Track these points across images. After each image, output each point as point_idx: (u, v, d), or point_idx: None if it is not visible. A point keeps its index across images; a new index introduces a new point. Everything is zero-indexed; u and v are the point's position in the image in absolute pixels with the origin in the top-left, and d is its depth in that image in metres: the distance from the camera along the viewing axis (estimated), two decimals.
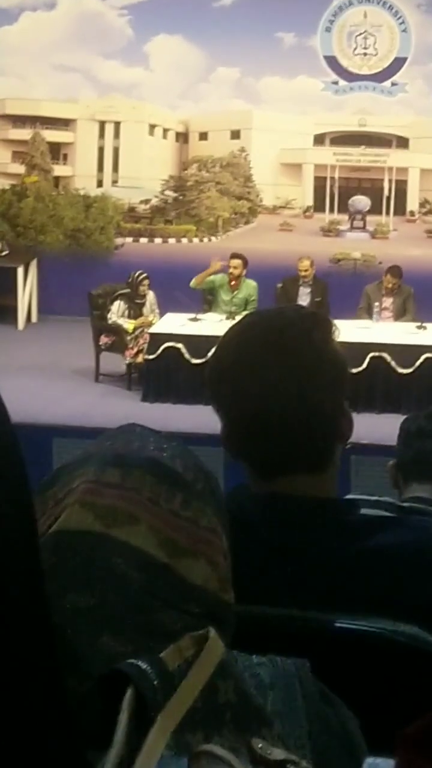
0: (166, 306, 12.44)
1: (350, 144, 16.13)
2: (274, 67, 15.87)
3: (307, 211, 16.26)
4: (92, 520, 1.25)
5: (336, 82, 15.81)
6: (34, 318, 15.41)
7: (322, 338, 1.93)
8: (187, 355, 11.29)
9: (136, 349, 11.84)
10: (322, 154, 16.20)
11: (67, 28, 16.14)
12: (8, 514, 0.80)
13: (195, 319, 11.96)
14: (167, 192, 16.43)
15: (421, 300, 12.65)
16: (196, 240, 16.26)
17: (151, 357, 11.45)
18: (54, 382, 11.60)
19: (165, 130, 16.58)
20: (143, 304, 12.29)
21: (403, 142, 16.06)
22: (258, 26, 15.50)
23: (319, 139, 16.24)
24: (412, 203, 16.05)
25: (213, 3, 15.72)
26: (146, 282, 12.32)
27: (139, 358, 11.74)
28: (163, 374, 11.47)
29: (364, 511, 2.00)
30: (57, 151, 16.51)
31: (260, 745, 1.03)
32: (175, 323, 11.89)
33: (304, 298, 12.59)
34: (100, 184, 16.44)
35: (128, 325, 12.00)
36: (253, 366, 1.88)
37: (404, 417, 3.36)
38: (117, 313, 12.10)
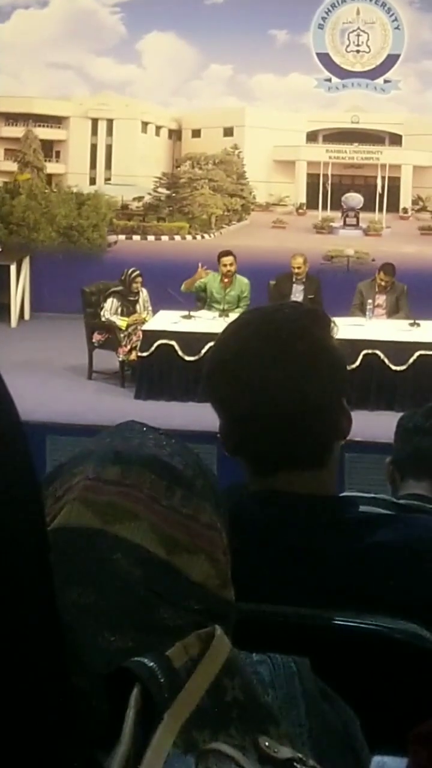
0: (159, 303, 12.44)
1: (343, 141, 16.14)
2: (267, 64, 15.87)
3: (300, 208, 16.27)
4: (92, 516, 1.25)
5: (329, 79, 15.82)
6: (26, 315, 15.40)
7: (321, 335, 1.93)
8: (180, 353, 11.30)
9: (129, 347, 11.83)
10: (315, 151, 16.20)
11: (59, 26, 16.14)
12: (16, 501, 0.79)
13: (188, 317, 11.96)
14: (160, 189, 16.43)
15: (414, 297, 12.66)
16: (189, 237, 16.26)
17: (145, 354, 11.45)
18: (47, 380, 11.59)
19: (158, 128, 16.58)
20: (136, 302, 12.29)
21: (396, 139, 16.07)
22: (251, 23, 15.51)
23: (312, 136, 16.24)
24: (405, 200, 16.06)
25: (206, 0, 15.72)
26: (139, 279, 12.32)
27: (133, 356, 11.74)
28: (157, 371, 11.47)
29: (361, 508, 1.99)
30: (50, 149, 16.50)
31: (267, 744, 1.03)
32: (168, 320, 11.89)
33: (297, 295, 12.59)
34: (92, 181, 16.44)
35: (121, 322, 12.00)
36: (251, 363, 1.87)
37: (398, 414, 3.36)
38: (110, 310, 12.09)
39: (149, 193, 16.40)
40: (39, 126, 16.28)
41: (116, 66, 16.23)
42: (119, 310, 12.14)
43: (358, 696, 1.36)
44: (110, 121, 16.47)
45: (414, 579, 1.81)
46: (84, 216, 16.00)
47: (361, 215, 16.14)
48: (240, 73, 16.05)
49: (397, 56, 15.66)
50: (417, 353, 11.21)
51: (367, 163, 16.13)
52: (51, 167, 16.42)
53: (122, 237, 16.23)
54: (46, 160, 16.36)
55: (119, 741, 0.92)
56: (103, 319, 12.11)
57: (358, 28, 15.71)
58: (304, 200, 16.30)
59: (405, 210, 16.08)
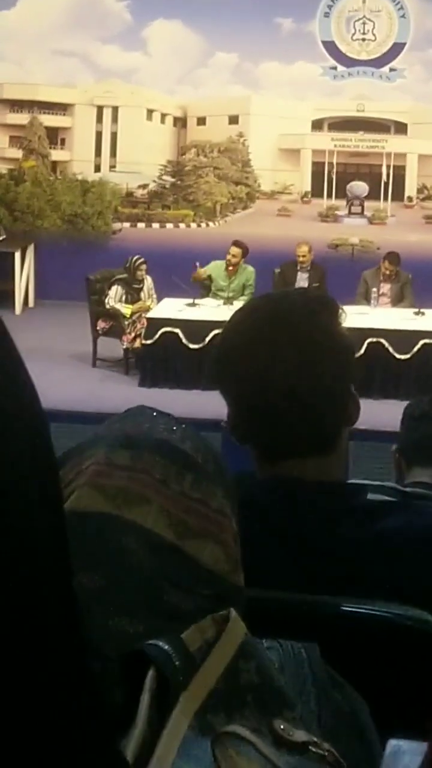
0: (163, 291, 12.42)
1: (348, 129, 16.12)
2: (272, 52, 15.84)
3: (305, 196, 16.25)
4: (102, 501, 1.25)
5: (334, 68, 15.79)
6: (31, 303, 15.40)
7: (329, 321, 1.92)
8: (184, 340, 11.29)
9: (133, 334, 11.82)
10: (320, 139, 16.18)
11: (65, 13, 16.11)
12: (34, 480, 0.79)
13: (193, 305, 11.94)
14: (165, 177, 16.41)
15: (419, 286, 12.65)
16: (193, 225, 16.25)
17: (149, 342, 11.44)
18: (51, 367, 11.57)
19: (163, 115, 16.56)
20: (141, 289, 12.28)
21: (401, 128, 16.05)
22: (256, 11, 15.48)
23: (317, 125, 16.22)
24: (410, 189, 16.04)
25: None
26: (144, 267, 12.30)
27: (137, 343, 11.73)
28: (161, 359, 11.47)
29: (369, 496, 1.99)
30: (55, 136, 16.48)
31: (282, 727, 1.03)
32: (173, 308, 11.88)
33: (302, 284, 12.56)
34: (97, 169, 16.42)
35: (125, 310, 11.99)
36: (259, 349, 1.87)
37: (402, 403, 3.35)
38: (114, 298, 12.08)
39: (154, 181, 16.39)
40: (44, 113, 16.26)
41: (122, 53, 16.20)
42: (124, 297, 12.13)
43: (367, 682, 1.36)
44: (115, 109, 16.45)
45: (422, 566, 1.81)
46: (89, 203, 15.98)
47: (366, 204, 16.12)
48: (245, 61, 16.03)
49: (403, 45, 15.63)
50: (421, 342, 11.22)
51: (373, 152, 16.11)
52: (56, 154, 16.40)
53: (127, 225, 16.22)
54: (51, 148, 16.34)
55: (134, 724, 0.93)
56: (107, 306, 12.09)
57: (364, 17, 15.68)
58: (309, 188, 16.28)
59: (410, 199, 16.06)
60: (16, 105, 16.38)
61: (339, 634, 1.54)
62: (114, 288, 12.13)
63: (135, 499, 1.24)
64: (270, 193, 16.33)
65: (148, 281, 12.35)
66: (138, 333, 11.75)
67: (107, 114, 16.48)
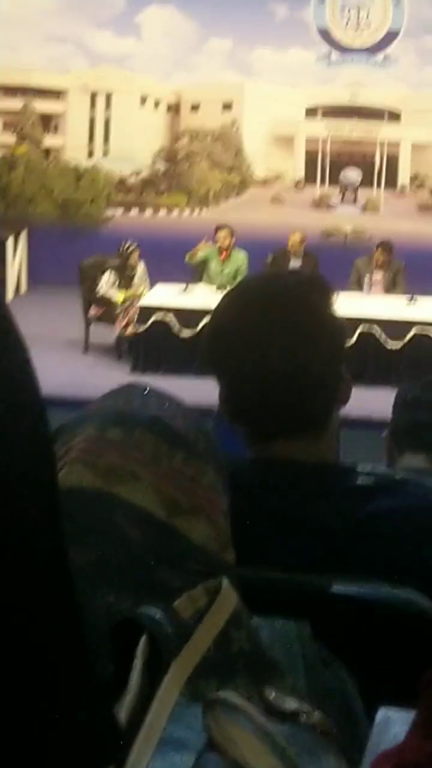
0: (156, 277, 12.41)
1: (342, 117, 16.11)
2: (266, 38, 15.83)
3: (298, 183, 16.25)
4: (93, 477, 1.25)
5: (329, 55, 15.77)
6: (23, 289, 15.39)
7: (320, 302, 1.92)
8: (177, 327, 11.29)
9: (126, 321, 11.82)
10: (313, 126, 16.17)
11: None
12: (28, 451, 0.80)
13: (185, 291, 11.94)
14: (158, 164, 16.39)
15: (411, 275, 12.65)
16: (186, 212, 16.24)
17: (141, 328, 11.43)
18: (43, 354, 11.44)
19: (156, 102, 16.54)
20: (133, 276, 12.27)
21: (395, 116, 16.04)
22: None
23: (311, 112, 16.22)
24: (404, 177, 16.05)
25: None
26: (136, 253, 12.30)
27: (129, 330, 11.72)
28: (153, 346, 11.46)
29: (359, 478, 1.99)
30: (48, 122, 16.46)
31: (273, 695, 1.03)
32: (165, 295, 11.88)
33: None
34: (91, 155, 16.41)
35: (118, 296, 11.98)
36: (250, 330, 1.86)
37: (394, 391, 3.34)
38: (107, 284, 12.07)
39: (147, 167, 16.36)
40: (37, 99, 16.23)
41: (115, 39, 16.17)
42: (116, 284, 12.12)
43: (356, 661, 1.37)
44: (109, 95, 16.43)
45: (413, 546, 1.81)
46: (82, 190, 15.97)
47: (359, 191, 16.11)
48: (239, 48, 16.01)
49: (397, 32, 15.61)
50: (414, 330, 11.23)
51: (366, 140, 16.10)
52: (49, 140, 16.38)
53: (120, 211, 16.21)
54: (44, 133, 16.32)
55: (126, 690, 0.93)
56: (99, 293, 12.08)
57: (359, 4, 15.64)
58: (302, 176, 16.27)
59: (403, 187, 16.06)
60: (9, 90, 16.34)
61: (328, 613, 1.54)
62: (106, 274, 12.12)
63: (125, 476, 1.25)
64: (263, 180, 16.32)
65: (141, 267, 12.34)
66: (130, 319, 11.74)
67: (100, 100, 16.46)
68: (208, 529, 1.28)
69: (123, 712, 0.92)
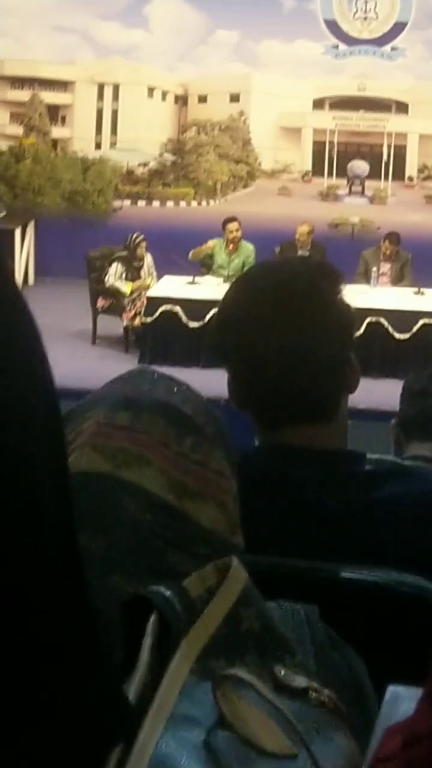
0: (163, 269, 12.41)
1: (349, 108, 16.08)
2: (274, 30, 15.79)
3: (305, 175, 16.23)
4: (102, 461, 1.25)
5: (336, 46, 15.74)
6: (30, 280, 15.38)
7: (329, 289, 1.92)
8: (184, 319, 11.29)
9: (133, 312, 11.82)
10: (321, 118, 16.14)
11: None
12: (41, 445, 0.81)
13: (193, 283, 11.93)
14: (166, 155, 16.38)
15: (418, 266, 12.65)
16: (194, 203, 16.23)
17: (149, 320, 11.43)
18: (50, 345, 11.11)
19: (164, 93, 16.53)
20: (141, 267, 12.26)
21: (402, 107, 16.02)
22: None
23: (318, 104, 16.19)
24: (411, 168, 16.02)
25: None
26: (143, 245, 12.29)
27: (137, 321, 11.72)
28: (161, 337, 11.46)
29: (367, 465, 1.99)
30: (55, 113, 16.45)
31: (283, 673, 1.03)
32: (173, 286, 11.87)
33: None
34: (98, 146, 16.39)
35: (126, 287, 11.98)
36: (259, 316, 1.87)
37: (401, 382, 3.35)
38: (114, 275, 12.07)
39: (155, 159, 16.35)
40: (45, 90, 16.22)
41: (123, 31, 16.15)
42: (124, 275, 12.12)
43: (365, 649, 1.37)
44: (116, 86, 16.41)
45: (420, 532, 1.82)
46: (89, 181, 15.95)
47: (367, 183, 16.09)
48: (247, 39, 15.99)
49: (405, 24, 15.57)
50: (421, 321, 11.23)
51: (374, 131, 16.07)
52: (56, 132, 16.36)
53: (127, 202, 16.19)
54: (51, 125, 16.31)
55: (136, 668, 0.93)
56: (107, 284, 12.09)
57: None
58: (309, 167, 16.25)
59: (411, 178, 16.04)
60: (17, 82, 16.34)
61: (337, 600, 1.54)
62: (114, 266, 12.12)
63: (134, 460, 1.25)
64: (270, 172, 16.30)
65: (148, 259, 12.34)
66: (138, 311, 11.74)
67: (108, 91, 16.44)
68: (217, 513, 1.29)
69: (133, 689, 0.92)
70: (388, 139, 16.01)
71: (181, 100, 16.50)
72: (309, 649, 1.19)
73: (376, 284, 12.33)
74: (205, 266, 12.52)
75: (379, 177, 16.09)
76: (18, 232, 14.91)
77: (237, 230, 12.36)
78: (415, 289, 12.09)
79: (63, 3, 15.93)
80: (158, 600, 1.00)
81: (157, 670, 0.95)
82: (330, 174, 16.15)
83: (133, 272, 12.18)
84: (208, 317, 10.55)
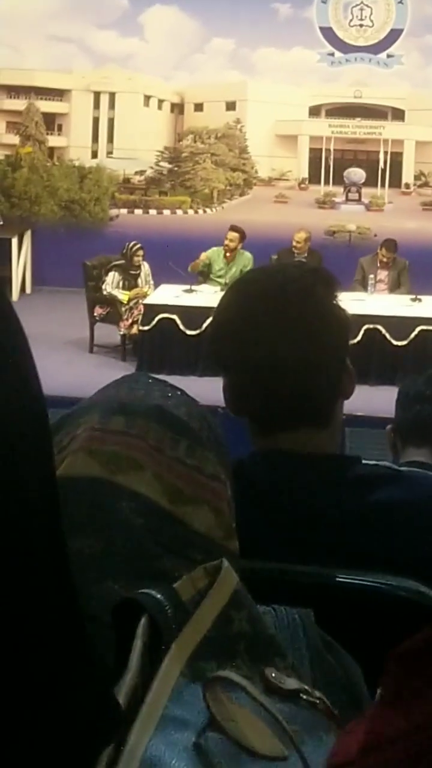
0: (160, 277, 12.42)
1: (346, 116, 16.08)
2: (269, 38, 15.80)
3: (302, 182, 16.23)
4: (97, 466, 1.25)
5: (332, 54, 15.75)
6: (28, 289, 15.39)
7: (324, 294, 1.92)
8: (181, 327, 11.29)
9: (130, 320, 11.83)
10: (317, 125, 16.15)
11: None
12: (28, 450, 0.81)
13: (190, 291, 11.94)
14: (162, 163, 16.38)
15: (415, 273, 12.65)
16: (191, 211, 16.23)
17: (146, 328, 11.44)
18: (48, 354, 11.53)
19: (160, 101, 16.53)
20: (138, 275, 12.28)
21: (398, 114, 16.02)
22: None
23: (314, 111, 16.19)
24: (408, 176, 16.02)
25: None
26: (140, 253, 12.32)
27: (134, 329, 11.74)
28: (158, 345, 11.47)
29: (362, 470, 1.99)
30: (51, 122, 16.45)
31: (274, 675, 1.04)
32: (170, 294, 11.88)
33: None
34: (94, 155, 16.40)
35: (123, 296, 11.99)
36: (254, 321, 1.87)
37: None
38: (111, 284, 12.09)
39: (151, 167, 16.36)
40: (41, 99, 16.23)
41: (118, 39, 16.16)
42: (121, 283, 12.14)
43: (361, 653, 1.37)
44: (112, 95, 16.42)
45: (416, 536, 1.82)
46: (86, 190, 15.97)
47: (363, 190, 16.10)
48: (242, 47, 15.99)
49: (401, 31, 15.59)
50: (418, 328, 11.24)
51: (370, 138, 16.08)
52: (53, 140, 16.37)
53: (124, 211, 16.20)
54: (48, 134, 16.31)
55: (126, 670, 0.94)
56: (104, 293, 12.10)
57: (362, 2, 15.62)
58: (306, 175, 16.25)
59: (407, 185, 16.04)
60: (13, 91, 16.34)
61: (333, 605, 1.55)
62: (111, 274, 12.14)
63: (129, 465, 1.25)
64: (267, 180, 16.30)
65: (146, 267, 12.36)
66: (135, 319, 11.76)
67: (104, 100, 16.45)
68: (212, 518, 1.29)
69: (123, 692, 0.92)
70: (385, 146, 16.02)
71: (177, 109, 16.50)
72: (304, 653, 1.19)
73: (373, 291, 12.35)
74: (202, 275, 12.53)
75: (376, 184, 16.10)
76: (15, 242, 14.93)
77: (232, 241, 12.37)
78: (412, 296, 12.10)
79: (59, 12, 15.95)
80: (149, 602, 1.00)
81: (148, 672, 0.95)
82: (326, 181, 16.15)
83: (130, 281, 12.19)
84: (205, 325, 10.56)
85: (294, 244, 12.82)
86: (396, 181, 16.05)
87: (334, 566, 1.72)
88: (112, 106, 16.46)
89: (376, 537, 1.82)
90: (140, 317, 11.60)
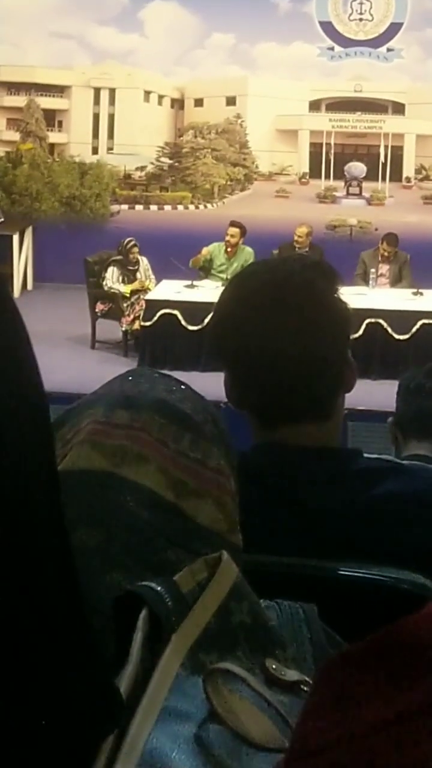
0: (162, 273, 12.42)
1: (346, 110, 16.08)
2: (269, 32, 15.79)
3: (302, 177, 16.23)
4: (101, 459, 1.26)
5: (332, 48, 15.74)
6: (29, 285, 15.39)
7: (325, 287, 1.93)
8: (183, 322, 11.29)
9: (132, 316, 11.83)
10: (317, 120, 16.15)
11: None
12: (29, 443, 0.82)
13: (191, 286, 11.94)
14: (163, 159, 16.38)
15: (417, 267, 12.65)
16: (191, 207, 16.23)
17: (148, 323, 11.44)
18: (50, 350, 11.53)
19: (160, 97, 16.52)
20: (136, 270, 12.30)
21: (399, 108, 16.01)
22: None
23: (314, 105, 16.19)
24: (408, 169, 16.02)
25: None
26: (135, 249, 12.34)
27: (136, 325, 11.74)
28: (160, 341, 11.47)
29: (364, 463, 1.99)
30: (52, 118, 16.44)
31: (274, 666, 1.04)
32: (171, 290, 11.88)
33: None
34: (95, 151, 16.39)
35: (125, 289, 12.00)
36: (255, 314, 1.87)
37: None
38: (112, 278, 12.10)
39: (152, 163, 16.35)
40: (41, 95, 16.23)
41: (118, 35, 16.15)
42: (120, 279, 12.15)
43: None
44: (112, 91, 16.41)
45: (418, 529, 1.82)
46: (87, 186, 15.96)
47: (364, 184, 16.09)
48: (242, 42, 15.98)
49: (400, 24, 15.57)
50: (420, 322, 11.24)
51: (370, 132, 16.08)
52: (53, 137, 16.37)
53: (125, 207, 16.20)
54: (48, 130, 16.31)
55: (127, 662, 0.94)
56: (106, 287, 12.10)
57: None
58: (307, 169, 16.25)
59: (408, 179, 16.03)
60: (13, 87, 16.34)
61: (335, 598, 1.55)
62: (110, 269, 12.15)
63: (133, 458, 1.26)
64: (268, 175, 16.30)
65: (144, 262, 12.37)
66: (137, 315, 11.76)
67: (104, 96, 16.45)
68: (216, 512, 1.29)
69: (124, 684, 0.93)
70: (385, 140, 16.01)
71: (178, 104, 16.50)
72: (307, 648, 1.19)
73: (374, 285, 12.34)
74: (203, 270, 12.53)
75: (377, 178, 16.09)
76: (16, 238, 14.93)
77: (233, 236, 12.36)
78: (414, 290, 12.09)
79: (59, 8, 15.94)
80: (149, 595, 1.00)
81: (149, 664, 0.96)
82: (327, 176, 16.15)
83: (128, 276, 12.22)
84: (206, 320, 10.55)
85: (295, 238, 12.80)
86: (397, 175, 16.05)
87: (335, 559, 1.73)
88: (112, 102, 16.45)
89: (378, 530, 1.82)
90: (142, 313, 11.59)
